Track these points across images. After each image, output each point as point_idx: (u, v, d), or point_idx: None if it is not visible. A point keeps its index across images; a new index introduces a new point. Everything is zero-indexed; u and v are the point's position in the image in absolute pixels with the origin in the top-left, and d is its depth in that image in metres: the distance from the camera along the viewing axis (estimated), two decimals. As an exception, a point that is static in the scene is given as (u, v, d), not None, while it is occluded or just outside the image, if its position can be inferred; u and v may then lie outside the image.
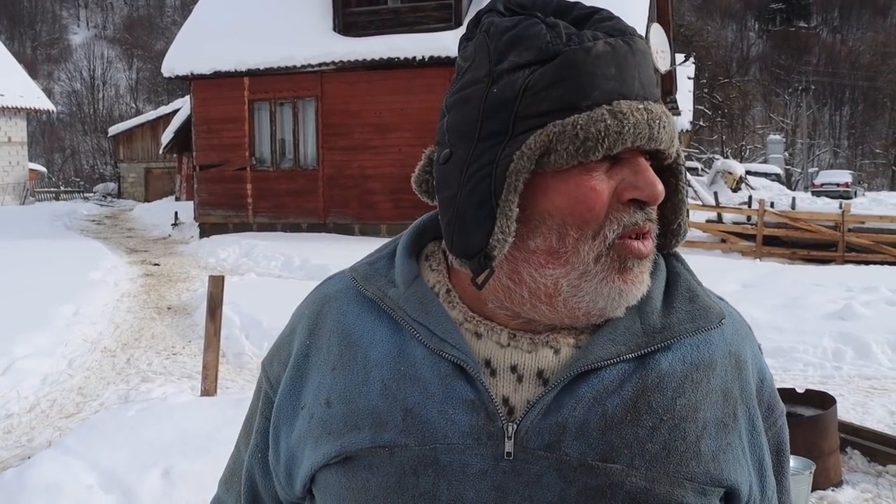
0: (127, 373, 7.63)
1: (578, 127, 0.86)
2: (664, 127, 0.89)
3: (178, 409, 5.32)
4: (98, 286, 11.87)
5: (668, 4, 20.86)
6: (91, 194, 42.89)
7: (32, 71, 66.26)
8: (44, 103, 37.78)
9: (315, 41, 16.65)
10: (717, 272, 10.78)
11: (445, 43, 15.67)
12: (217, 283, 5.89)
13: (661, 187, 0.89)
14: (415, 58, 15.90)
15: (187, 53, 17.99)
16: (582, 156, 0.86)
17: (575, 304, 0.90)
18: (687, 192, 0.98)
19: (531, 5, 0.93)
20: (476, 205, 0.89)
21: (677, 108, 25.57)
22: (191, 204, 20.34)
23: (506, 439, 0.89)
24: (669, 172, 0.96)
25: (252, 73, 17.42)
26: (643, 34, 13.94)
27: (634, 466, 0.88)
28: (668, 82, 22.42)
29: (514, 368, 0.93)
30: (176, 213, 22.15)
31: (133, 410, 5.39)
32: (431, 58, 15.80)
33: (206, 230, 18.44)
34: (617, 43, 0.88)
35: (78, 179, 53.66)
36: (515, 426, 0.89)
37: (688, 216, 0.99)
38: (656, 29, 16.69)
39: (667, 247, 1.00)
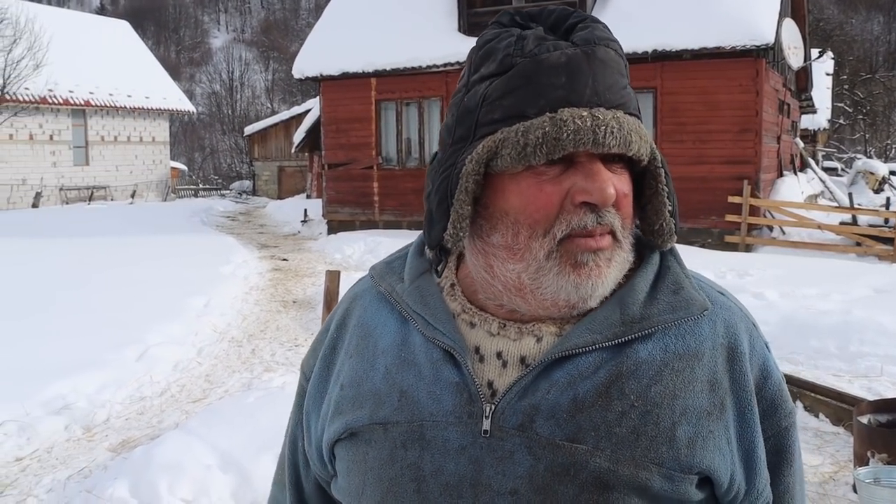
0: (251, 362, 7.99)
1: (520, 134, 0.93)
2: (612, 132, 0.93)
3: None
4: (228, 280, 12.42)
5: (804, -2, 20.12)
6: (227, 192, 44.53)
7: (176, 74, 69.41)
8: (185, 105, 39.56)
9: (440, 42, 16.86)
10: (847, 276, 10.38)
11: (569, 42, 15.62)
12: (333, 279, 6.10)
13: (610, 191, 0.94)
14: (538, 57, 15.91)
15: (317, 55, 18.51)
16: (524, 160, 0.94)
17: (541, 295, 0.98)
18: (668, 193, 1.01)
19: (536, 15, 1.01)
20: (438, 202, 0.99)
21: (812, 105, 24.58)
22: (320, 201, 20.91)
23: (484, 418, 0.97)
24: (650, 176, 1.01)
25: (379, 74, 17.79)
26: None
27: (600, 448, 0.93)
28: (802, 79, 21.60)
29: (499, 355, 1.01)
30: (305, 210, 22.84)
31: (252, 397, 5.67)
32: (555, 57, 15.77)
33: (334, 227, 18.94)
34: (574, 53, 0.95)
35: (216, 177, 55.86)
36: (493, 407, 0.97)
37: (672, 216, 1.02)
38: (788, 24, 16.12)
39: (659, 246, 1.04)
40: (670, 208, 1.02)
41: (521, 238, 0.97)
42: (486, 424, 0.97)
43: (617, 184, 0.96)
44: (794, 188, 16.98)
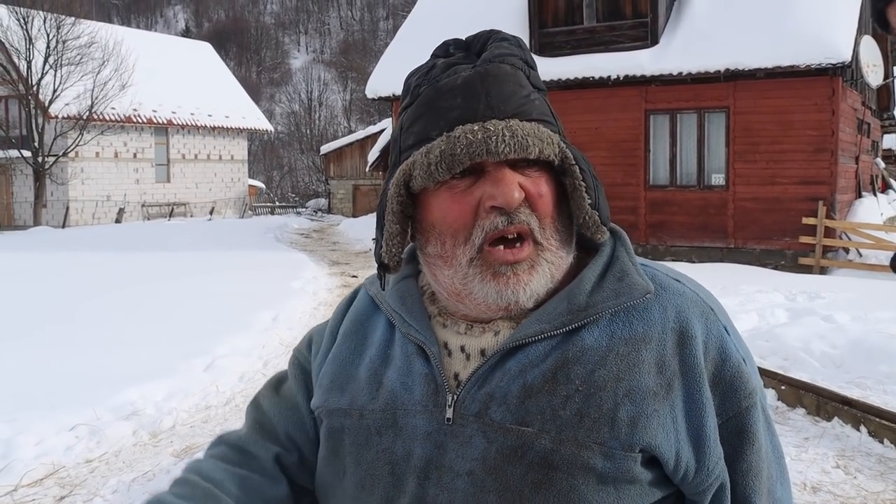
0: (315, 375, 8.13)
1: (424, 155, 1.05)
2: (504, 140, 1.02)
3: (351, 408, 5.67)
4: (298, 295, 12.66)
5: (886, 16, 19.62)
6: (303, 209, 45.36)
7: (256, 94, 71.06)
8: (263, 124, 40.50)
9: (512, 62, 16.92)
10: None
11: (641, 62, 15.57)
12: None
13: (515, 195, 1.03)
14: (609, 77, 15.88)
15: (390, 75, 18.79)
16: (432, 178, 1.04)
17: (475, 300, 1.08)
18: (586, 187, 1.08)
19: (468, 42, 1.13)
20: (377, 222, 1.13)
21: (895, 124, 23.93)
22: (391, 219, 21.13)
23: (447, 407, 1.07)
24: (568, 174, 1.09)
25: (450, 94, 17.97)
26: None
27: (545, 430, 1.00)
28: (884, 97, 21.08)
29: (463, 349, 1.11)
30: (377, 228, 23.11)
31: (311, 408, 5.78)
32: (626, 77, 15.73)
33: (404, 245, 19.12)
34: (469, 74, 1.05)
35: (293, 195, 56.96)
36: (455, 396, 1.07)
37: (593, 209, 1.08)
38: (867, 42, 15.78)
39: (593, 238, 1.11)
40: (590, 201, 1.08)
41: (448, 246, 1.07)
42: (450, 413, 1.06)
43: (530, 186, 1.05)
44: (872, 210, 16.56)
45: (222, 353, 8.31)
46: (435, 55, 1.13)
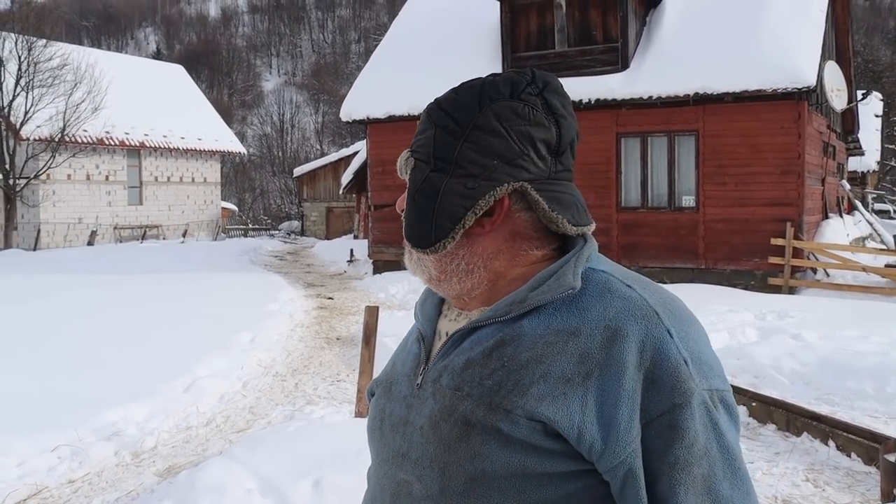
0: (294, 396, 8.21)
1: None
2: (403, 162, 1.37)
3: (332, 427, 5.77)
4: (275, 316, 12.72)
5: (849, 40, 20.14)
6: (276, 231, 45.28)
7: (228, 116, 70.87)
8: (236, 146, 40.43)
9: (484, 85, 17.12)
10: (889, 318, 10.29)
11: (612, 86, 15.82)
12: (372, 313, 6.33)
13: (398, 203, 1.37)
14: (581, 101, 16.11)
15: (364, 98, 18.95)
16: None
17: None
18: (412, 192, 1.33)
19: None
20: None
21: (860, 147, 24.43)
22: (366, 242, 21.24)
23: (418, 375, 1.33)
24: None
25: (424, 117, 18.13)
26: (818, 74, 13.59)
27: (470, 395, 1.21)
28: (849, 121, 21.54)
29: (446, 333, 1.36)
30: (351, 250, 23.19)
31: (293, 427, 5.87)
32: (598, 100, 15.96)
33: (380, 267, 19.21)
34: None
35: (266, 217, 56.80)
36: (425, 367, 1.33)
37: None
38: (831, 66, 16.17)
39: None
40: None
41: None
42: (419, 380, 1.32)
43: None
44: (839, 230, 16.90)
45: (202, 374, 8.37)
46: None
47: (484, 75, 1.36)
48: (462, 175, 1.27)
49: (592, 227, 1.33)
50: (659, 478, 1.14)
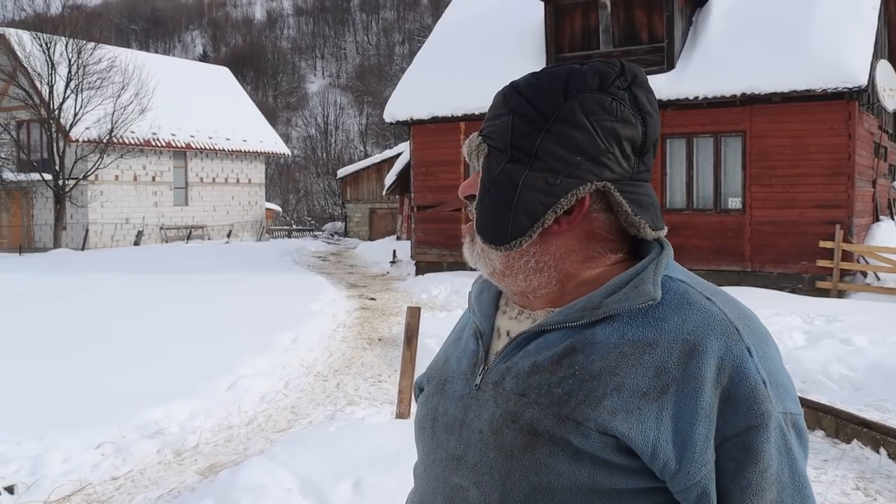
0: (335, 396, 8.21)
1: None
2: (474, 147, 1.27)
3: (373, 428, 5.74)
4: (317, 317, 12.76)
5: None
6: (320, 232, 45.55)
7: (272, 118, 71.56)
8: (280, 148, 40.78)
9: (528, 86, 17.03)
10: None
11: (657, 86, 15.63)
12: (414, 314, 6.30)
13: (461, 187, 1.32)
14: (625, 101, 15.94)
15: (407, 100, 18.97)
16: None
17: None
18: (486, 183, 1.25)
19: None
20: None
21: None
22: (409, 243, 21.26)
23: (478, 376, 1.26)
24: None
25: (468, 118, 18.09)
26: (869, 73, 13.31)
27: (538, 403, 1.15)
28: (901, 122, 21.07)
29: (508, 332, 1.28)
30: (394, 251, 23.24)
31: (334, 427, 5.87)
32: (642, 100, 15.78)
33: (422, 268, 19.22)
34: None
35: (309, 218, 57.18)
36: (486, 367, 1.26)
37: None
38: (883, 66, 15.81)
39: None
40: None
41: None
42: (478, 380, 1.25)
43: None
44: (890, 233, 16.52)
45: (244, 374, 8.41)
46: None
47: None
48: (543, 169, 1.19)
49: (665, 231, 1.26)
50: (729, 501, 1.10)
